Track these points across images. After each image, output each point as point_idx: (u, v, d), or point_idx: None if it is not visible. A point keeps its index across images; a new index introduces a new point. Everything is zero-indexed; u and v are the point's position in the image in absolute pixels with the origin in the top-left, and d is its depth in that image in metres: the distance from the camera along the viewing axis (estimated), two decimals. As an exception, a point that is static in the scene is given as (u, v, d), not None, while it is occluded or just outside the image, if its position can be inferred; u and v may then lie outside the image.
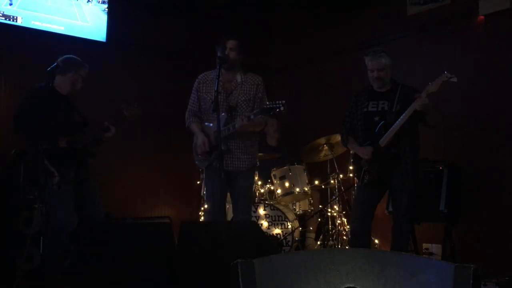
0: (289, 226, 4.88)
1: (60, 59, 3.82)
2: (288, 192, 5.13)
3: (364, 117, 3.88)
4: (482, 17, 4.82)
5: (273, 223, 4.92)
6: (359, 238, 3.87)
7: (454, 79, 3.54)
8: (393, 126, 3.68)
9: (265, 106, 3.58)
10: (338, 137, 5.09)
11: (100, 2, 5.42)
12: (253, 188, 4.35)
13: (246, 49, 3.90)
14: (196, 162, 3.97)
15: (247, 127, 3.67)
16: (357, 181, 4.38)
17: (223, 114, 3.69)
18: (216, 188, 3.74)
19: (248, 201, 3.97)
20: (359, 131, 3.93)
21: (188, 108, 3.97)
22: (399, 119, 3.66)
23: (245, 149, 3.81)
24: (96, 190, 3.97)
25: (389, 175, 3.79)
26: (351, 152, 4.66)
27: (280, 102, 3.48)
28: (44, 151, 3.41)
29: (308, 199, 5.46)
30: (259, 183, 5.30)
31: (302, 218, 5.39)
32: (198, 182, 5.61)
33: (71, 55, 3.95)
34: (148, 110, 5.57)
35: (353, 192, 5.02)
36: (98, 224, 3.76)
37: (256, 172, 5.23)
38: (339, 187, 5.22)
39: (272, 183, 5.31)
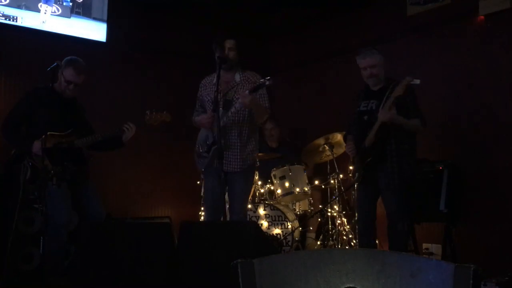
0: (289, 226, 4.88)
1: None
2: (288, 192, 5.12)
3: (357, 116, 3.93)
4: (482, 17, 4.82)
5: (273, 223, 4.92)
6: (363, 238, 3.93)
7: (417, 82, 3.55)
8: (373, 127, 3.70)
9: (258, 83, 3.56)
10: (337, 136, 5.11)
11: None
12: (250, 190, 4.24)
13: (243, 48, 3.89)
14: (197, 165, 3.95)
15: (251, 105, 3.61)
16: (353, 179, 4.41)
17: (220, 109, 3.67)
18: (213, 188, 3.73)
19: (243, 203, 3.87)
20: (353, 131, 4.00)
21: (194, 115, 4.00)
22: (374, 126, 3.68)
23: (242, 148, 3.76)
24: (96, 190, 3.97)
25: (376, 175, 3.80)
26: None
27: (266, 78, 3.48)
28: (44, 150, 3.41)
29: (308, 199, 5.46)
30: (259, 183, 5.30)
31: (302, 218, 5.39)
32: (198, 182, 5.60)
33: (71, 57, 3.91)
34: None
35: (353, 192, 5.02)
36: (98, 224, 3.76)
37: (256, 172, 5.23)
38: (339, 187, 5.22)
39: (272, 183, 5.31)
